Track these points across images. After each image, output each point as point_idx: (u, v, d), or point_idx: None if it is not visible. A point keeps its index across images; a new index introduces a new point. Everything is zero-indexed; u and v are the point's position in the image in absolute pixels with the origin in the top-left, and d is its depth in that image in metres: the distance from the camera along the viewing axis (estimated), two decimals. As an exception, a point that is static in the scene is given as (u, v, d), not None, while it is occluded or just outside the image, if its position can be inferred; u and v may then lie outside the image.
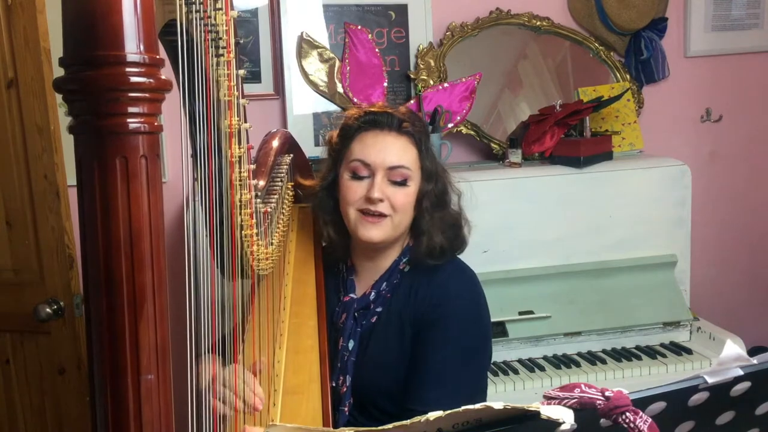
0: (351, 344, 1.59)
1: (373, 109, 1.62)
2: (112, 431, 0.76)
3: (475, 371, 1.58)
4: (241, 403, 1.35)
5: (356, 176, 1.57)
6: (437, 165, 1.64)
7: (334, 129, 1.73)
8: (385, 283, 1.62)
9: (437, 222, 1.60)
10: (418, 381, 1.52)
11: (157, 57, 0.76)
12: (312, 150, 2.43)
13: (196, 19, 1.03)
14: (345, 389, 1.56)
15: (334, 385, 1.56)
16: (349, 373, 1.57)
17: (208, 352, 1.13)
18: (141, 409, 0.76)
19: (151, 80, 0.75)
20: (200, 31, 1.04)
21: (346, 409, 1.56)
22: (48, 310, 2.02)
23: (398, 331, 1.58)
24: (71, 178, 2.04)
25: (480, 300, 1.61)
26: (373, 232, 1.56)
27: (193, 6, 1.03)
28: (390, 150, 1.57)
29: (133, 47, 0.73)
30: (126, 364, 0.75)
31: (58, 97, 2.06)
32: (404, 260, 1.63)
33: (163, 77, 0.76)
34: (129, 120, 0.74)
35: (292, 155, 1.77)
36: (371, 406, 1.57)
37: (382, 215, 1.56)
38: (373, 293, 1.62)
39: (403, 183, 1.57)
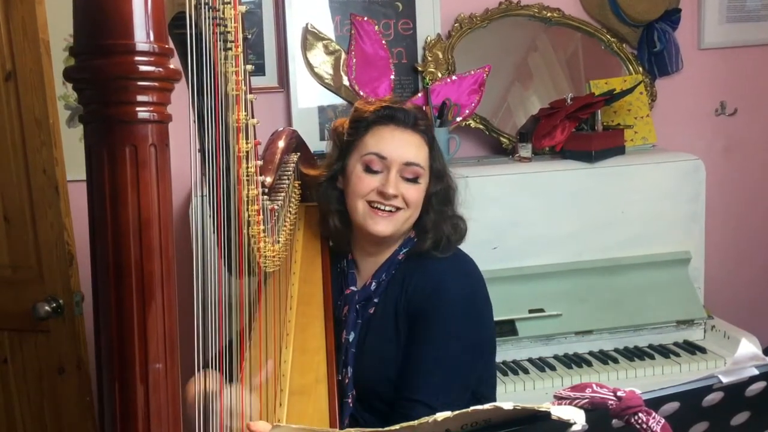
0: (352, 336, 1.60)
1: (389, 104, 1.62)
2: (120, 421, 0.77)
3: (469, 360, 1.57)
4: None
5: (369, 170, 1.59)
6: (443, 163, 1.66)
7: (342, 117, 1.72)
8: (384, 274, 1.63)
9: (445, 218, 1.63)
10: (412, 371, 1.53)
11: (167, 46, 0.77)
12: (317, 144, 2.42)
13: (204, 12, 1.03)
14: (348, 381, 1.57)
15: (339, 378, 1.57)
16: (350, 365, 1.58)
17: (213, 367, 1.13)
18: (149, 398, 0.77)
19: (161, 69, 0.76)
20: (209, 25, 1.05)
21: (350, 401, 1.57)
22: (47, 308, 2.00)
23: (393, 321, 1.59)
24: (71, 173, 2.02)
25: (476, 289, 1.61)
26: (382, 226, 1.57)
27: (202, -1, 1.03)
28: (407, 146, 1.59)
29: (142, 36, 0.74)
30: (134, 353, 0.76)
31: (58, 90, 2.03)
32: (404, 251, 1.64)
33: (172, 66, 0.77)
34: (138, 109, 0.75)
35: (299, 153, 1.76)
36: (373, 397, 1.58)
37: (394, 208, 1.57)
38: (373, 284, 1.63)
39: (414, 180, 1.59)
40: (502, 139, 2.63)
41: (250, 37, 2.45)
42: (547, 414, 0.73)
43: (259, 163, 1.29)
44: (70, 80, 0.75)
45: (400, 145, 1.58)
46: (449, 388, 1.51)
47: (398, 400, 1.51)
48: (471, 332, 1.57)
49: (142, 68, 0.74)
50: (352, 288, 1.65)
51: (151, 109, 0.76)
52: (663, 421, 0.76)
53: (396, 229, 1.59)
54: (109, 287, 0.75)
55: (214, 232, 1.17)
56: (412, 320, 1.57)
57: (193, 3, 0.96)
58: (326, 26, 2.53)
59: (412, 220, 1.61)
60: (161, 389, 0.78)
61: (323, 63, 2.52)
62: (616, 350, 2.34)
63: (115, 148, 0.75)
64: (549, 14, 2.68)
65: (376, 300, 1.62)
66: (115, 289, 0.75)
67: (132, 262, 0.75)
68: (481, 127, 2.62)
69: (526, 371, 2.23)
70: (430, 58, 2.55)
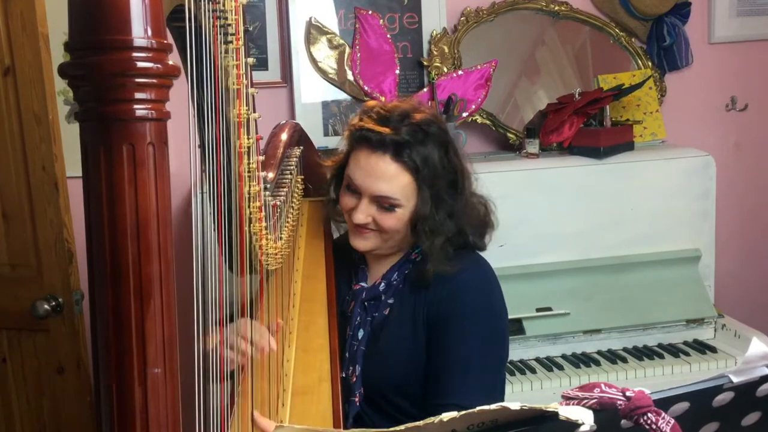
0: (361, 334, 1.57)
1: (366, 126, 1.52)
2: (118, 427, 0.76)
3: (495, 363, 1.55)
4: (252, 349, 1.35)
5: (349, 189, 1.56)
6: (444, 184, 1.52)
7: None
8: (396, 274, 1.59)
9: (446, 239, 1.53)
10: (440, 377, 1.50)
11: (165, 42, 0.75)
12: (321, 140, 2.39)
13: (204, 4, 1.01)
14: (355, 379, 1.54)
15: (344, 375, 1.54)
16: (359, 363, 1.55)
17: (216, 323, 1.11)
18: (147, 403, 0.76)
19: (159, 66, 0.74)
20: (209, 17, 1.03)
21: (356, 399, 1.54)
22: (46, 306, 1.98)
23: (412, 326, 1.55)
24: (70, 170, 2.00)
25: (494, 292, 1.57)
26: (360, 243, 1.56)
27: (202, -10, 1.01)
28: (377, 178, 1.49)
29: (140, 32, 0.72)
30: (132, 357, 0.75)
31: (57, 85, 2.01)
32: (416, 251, 1.59)
33: (170, 63, 0.76)
34: (136, 106, 0.74)
35: (302, 147, 1.74)
36: (381, 400, 1.55)
37: (369, 230, 1.55)
38: (383, 284, 1.59)
39: (390, 209, 1.51)
40: (509, 134, 2.62)
41: (251, 29, 2.43)
42: (555, 414, 0.72)
43: (261, 158, 1.27)
44: (65, 77, 0.73)
45: (370, 176, 1.49)
46: (480, 388, 1.47)
47: (428, 408, 1.46)
48: (494, 333, 1.54)
49: (140, 65, 0.72)
50: (362, 284, 1.62)
51: (149, 106, 0.74)
52: (673, 421, 0.76)
53: (377, 246, 1.56)
54: (107, 289, 0.74)
55: (215, 230, 1.16)
56: (432, 326, 1.53)
57: (192, -6, 0.94)
58: (330, 20, 2.51)
59: (397, 238, 1.55)
60: (160, 394, 0.76)
61: (327, 57, 2.50)
62: (625, 349, 2.33)
63: (111, 147, 0.73)
64: (557, 8, 2.65)
65: (390, 301, 1.58)
66: (113, 291, 0.74)
67: (130, 263, 0.74)
68: (487, 122, 2.60)
69: (533, 371, 2.21)
70: (435, 53, 2.53)
